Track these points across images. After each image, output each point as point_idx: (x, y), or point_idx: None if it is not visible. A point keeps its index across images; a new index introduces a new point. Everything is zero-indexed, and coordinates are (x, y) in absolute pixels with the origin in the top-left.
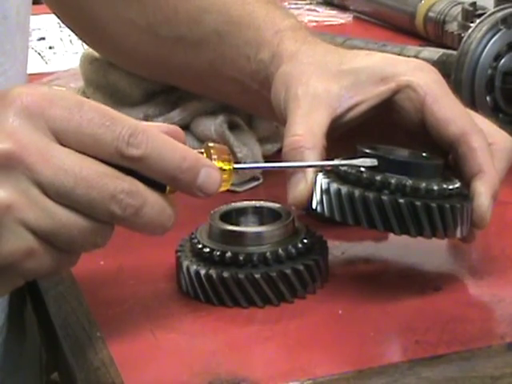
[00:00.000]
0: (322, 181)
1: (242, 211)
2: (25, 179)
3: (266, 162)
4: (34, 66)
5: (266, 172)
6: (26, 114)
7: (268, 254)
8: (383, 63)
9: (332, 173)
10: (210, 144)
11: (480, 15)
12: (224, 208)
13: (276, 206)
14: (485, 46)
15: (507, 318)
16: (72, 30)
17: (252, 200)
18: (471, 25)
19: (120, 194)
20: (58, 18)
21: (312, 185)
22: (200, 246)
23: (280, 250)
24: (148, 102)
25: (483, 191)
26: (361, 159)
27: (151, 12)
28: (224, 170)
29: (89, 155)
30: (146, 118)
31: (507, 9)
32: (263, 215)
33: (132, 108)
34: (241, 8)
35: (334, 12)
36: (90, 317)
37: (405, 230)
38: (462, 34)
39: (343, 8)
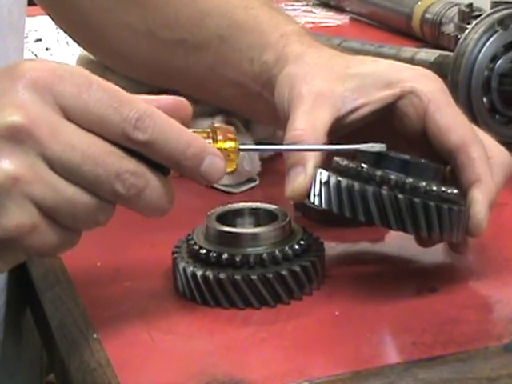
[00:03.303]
0: (321, 174)
1: (238, 212)
2: (33, 153)
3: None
4: None
5: (262, 173)
6: (36, 88)
7: (264, 255)
8: (389, 69)
9: (331, 168)
10: (216, 124)
11: (476, 17)
12: (220, 209)
13: (272, 207)
14: (481, 48)
15: (504, 319)
16: (69, 35)
17: (248, 201)
18: (468, 26)
19: (125, 173)
20: (55, 22)
21: (311, 178)
22: (196, 247)
23: (276, 252)
24: None
25: (480, 199)
26: (369, 144)
27: (150, 16)
28: (229, 149)
29: (96, 134)
30: None
31: (504, 10)
32: (259, 216)
33: None
34: (244, 13)
35: (330, 13)
36: (86, 318)
37: (401, 226)
38: (459, 36)
39: (340, 9)
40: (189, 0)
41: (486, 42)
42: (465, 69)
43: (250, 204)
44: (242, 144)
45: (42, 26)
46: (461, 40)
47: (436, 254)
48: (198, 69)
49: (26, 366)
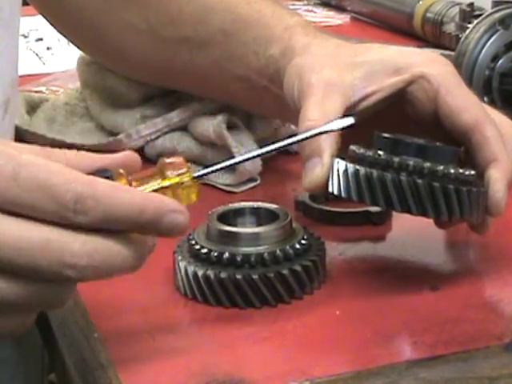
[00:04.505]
0: (339, 163)
1: (239, 212)
2: None
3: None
4: (32, 66)
5: (263, 173)
6: None
7: (265, 254)
8: (397, 55)
9: (348, 157)
10: (166, 160)
11: (477, 16)
12: (221, 209)
13: (273, 206)
14: (482, 47)
15: (505, 318)
16: (68, 39)
17: (249, 201)
18: (469, 26)
19: (72, 258)
20: (53, 25)
21: (328, 169)
22: (198, 246)
23: (277, 251)
24: (146, 103)
25: (498, 178)
26: (337, 120)
27: (153, 14)
28: (182, 180)
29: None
30: (144, 119)
31: (505, 10)
32: (261, 216)
33: (129, 109)
34: (247, 7)
35: (331, 13)
36: (87, 317)
37: (422, 211)
38: (460, 35)
39: (341, 9)
40: None
41: (487, 42)
42: (466, 68)
43: (251, 203)
44: (197, 171)
45: (42, 25)
46: (462, 39)
47: (437, 253)
48: (203, 65)
49: (27, 367)
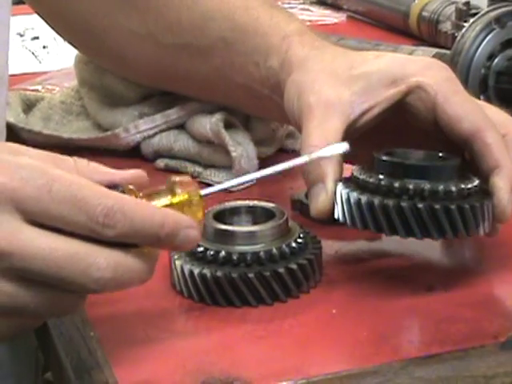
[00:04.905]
0: (341, 191)
1: (235, 210)
2: None
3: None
4: (28, 65)
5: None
6: None
7: (262, 253)
8: (392, 65)
9: (351, 182)
10: (175, 178)
11: (474, 15)
12: (217, 207)
13: (269, 205)
14: (478, 46)
15: (500, 317)
16: (66, 40)
17: (245, 199)
18: (465, 24)
19: (96, 271)
20: (51, 27)
21: (332, 195)
22: None
23: (274, 250)
24: (144, 101)
25: (502, 186)
26: (332, 146)
27: (152, 21)
28: (191, 199)
29: (61, 230)
30: (142, 117)
31: (501, 8)
32: (257, 214)
33: (127, 107)
34: (245, 14)
35: (327, 11)
36: (83, 316)
37: (427, 235)
38: (456, 34)
39: (337, 7)
40: (191, 3)
41: (483, 40)
42: (462, 67)
43: (247, 202)
44: (204, 189)
45: (38, 23)
46: (458, 38)
47: (433, 252)
48: (205, 72)
49: (21, 368)
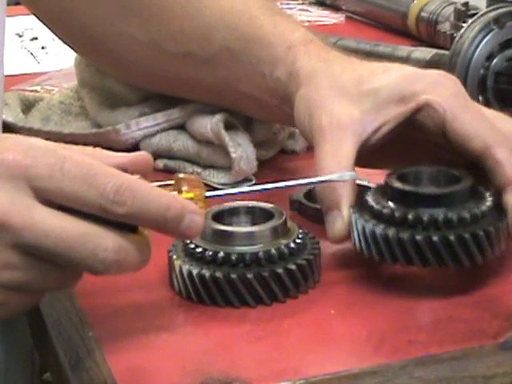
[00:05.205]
0: (357, 220)
1: (234, 211)
2: (4, 242)
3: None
4: (27, 66)
5: (258, 173)
6: (8, 175)
7: (260, 253)
8: (401, 81)
9: (366, 210)
10: (181, 175)
11: (472, 15)
12: (216, 208)
13: (268, 205)
14: (477, 46)
15: (499, 317)
16: (67, 45)
17: (244, 200)
18: (463, 25)
19: (103, 252)
20: (52, 31)
21: (348, 222)
22: (192, 245)
23: (272, 250)
24: (144, 102)
25: None
26: (339, 174)
27: (154, 28)
28: (196, 198)
29: (73, 210)
30: (143, 116)
31: (499, 9)
32: (255, 215)
33: (128, 107)
34: (249, 23)
35: (326, 12)
36: (82, 316)
37: (443, 264)
38: (455, 34)
39: (335, 8)
40: (194, 12)
41: (481, 41)
42: (460, 67)
43: (245, 202)
44: (208, 191)
45: (37, 24)
46: (456, 38)
47: None
48: (210, 81)
49: (16, 368)
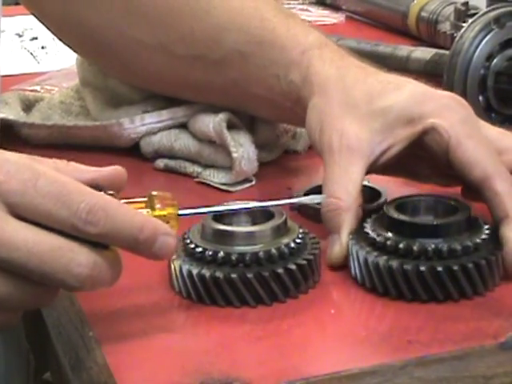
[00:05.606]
0: (352, 247)
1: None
2: None
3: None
4: (27, 65)
5: (258, 171)
6: None
7: (261, 253)
8: (411, 102)
9: (362, 238)
10: (154, 193)
11: (472, 15)
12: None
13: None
14: (477, 46)
15: (500, 317)
16: (73, 49)
17: (244, 200)
18: (464, 25)
19: (77, 267)
20: (56, 36)
21: (346, 247)
22: (192, 245)
23: (273, 250)
24: (147, 100)
25: (510, 237)
26: (311, 196)
27: (162, 32)
28: (168, 216)
29: (44, 226)
30: (146, 113)
31: (500, 8)
32: (256, 215)
33: (130, 106)
34: (260, 25)
35: (326, 12)
36: (82, 316)
37: (431, 296)
38: (455, 34)
39: (335, 8)
40: (203, 14)
41: (481, 41)
42: (461, 67)
43: (246, 202)
44: (181, 209)
45: (37, 24)
46: (457, 38)
47: None
48: (221, 83)
49: (10, 370)
